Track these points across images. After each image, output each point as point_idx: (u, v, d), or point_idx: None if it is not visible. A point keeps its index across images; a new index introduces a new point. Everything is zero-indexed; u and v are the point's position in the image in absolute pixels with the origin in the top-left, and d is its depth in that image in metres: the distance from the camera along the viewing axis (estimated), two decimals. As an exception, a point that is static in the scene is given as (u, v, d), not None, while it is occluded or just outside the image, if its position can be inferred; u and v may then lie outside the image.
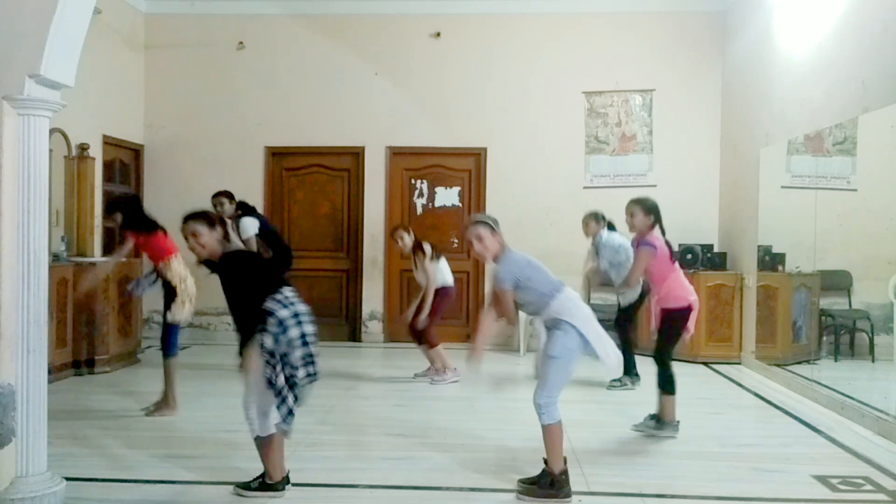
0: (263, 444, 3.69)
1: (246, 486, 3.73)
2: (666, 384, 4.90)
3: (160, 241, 5.23)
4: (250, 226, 6.49)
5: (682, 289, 4.92)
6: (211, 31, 8.58)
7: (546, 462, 3.80)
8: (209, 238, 3.72)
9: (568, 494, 3.76)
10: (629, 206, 5.05)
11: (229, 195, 6.67)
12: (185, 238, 3.75)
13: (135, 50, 8.50)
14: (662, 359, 4.94)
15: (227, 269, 3.71)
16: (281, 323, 3.49)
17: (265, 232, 6.59)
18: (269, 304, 3.51)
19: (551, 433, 3.77)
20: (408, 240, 6.55)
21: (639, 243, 4.98)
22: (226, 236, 3.88)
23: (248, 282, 3.61)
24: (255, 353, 3.51)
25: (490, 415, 5.41)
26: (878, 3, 5.23)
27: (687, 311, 4.89)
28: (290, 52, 8.58)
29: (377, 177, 8.59)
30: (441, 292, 6.45)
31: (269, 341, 3.48)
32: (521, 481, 3.88)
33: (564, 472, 3.78)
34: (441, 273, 6.48)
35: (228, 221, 6.33)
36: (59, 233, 6.91)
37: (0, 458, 3.33)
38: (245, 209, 6.65)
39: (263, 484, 3.72)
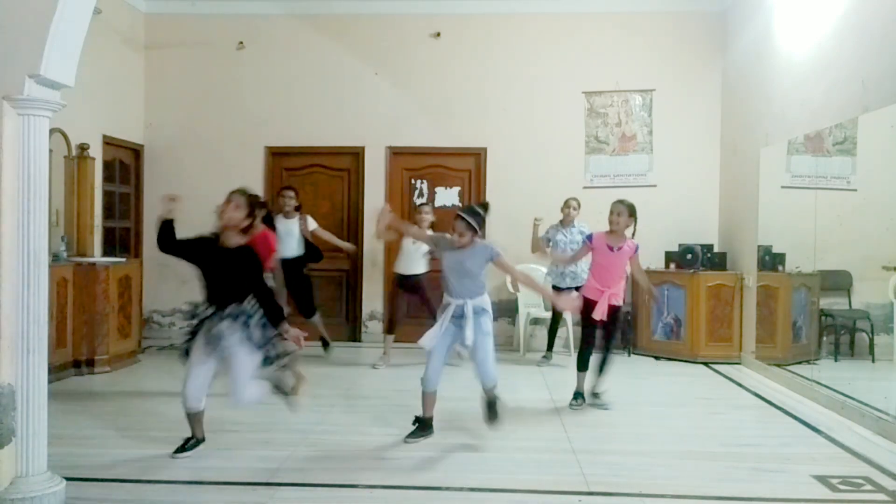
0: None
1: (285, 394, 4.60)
2: (595, 365, 5.68)
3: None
4: (312, 222, 7.46)
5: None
6: (211, 31, 8.58)
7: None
8: (238, 214, 4.19)
9: None
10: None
11: (294, 190, 7.43)
12: (227, 202, 4.20)
13: (135, 50, 8.49)
14: (611, 348, 5.74)
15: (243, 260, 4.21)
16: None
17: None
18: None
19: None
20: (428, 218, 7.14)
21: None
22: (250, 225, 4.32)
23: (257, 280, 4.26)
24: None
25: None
26: (878, 3, 5.23)
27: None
28: (290, 52, 8.58)
29: (377, 177, 8.59)
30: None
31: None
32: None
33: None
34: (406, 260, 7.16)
35: (293, 215, 7.22)
36: (59, 233, 6.90)
37: (0, 458, 3.33)
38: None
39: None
